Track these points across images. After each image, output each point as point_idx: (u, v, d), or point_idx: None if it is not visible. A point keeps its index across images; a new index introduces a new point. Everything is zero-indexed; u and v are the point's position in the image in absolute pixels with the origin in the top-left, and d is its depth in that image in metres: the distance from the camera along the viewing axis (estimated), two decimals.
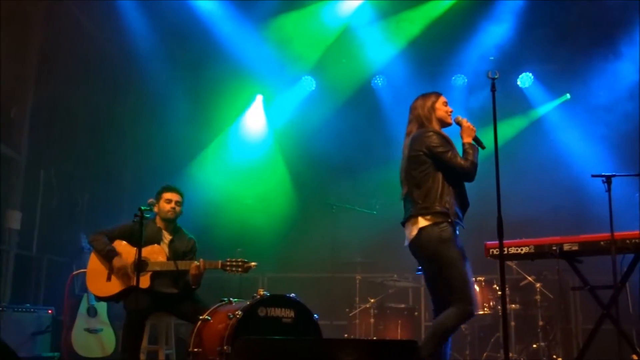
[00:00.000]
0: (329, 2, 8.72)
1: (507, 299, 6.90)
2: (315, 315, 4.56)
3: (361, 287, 7.72)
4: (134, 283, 4.56)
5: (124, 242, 5.20)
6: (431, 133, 4.25)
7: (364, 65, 9.30)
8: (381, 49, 9.09)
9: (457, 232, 4.15)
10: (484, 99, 8.56)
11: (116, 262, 5.06)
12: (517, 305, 7.14)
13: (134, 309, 4.85)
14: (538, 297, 7.06)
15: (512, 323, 7.05)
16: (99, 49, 8.68)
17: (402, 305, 7.58)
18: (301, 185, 9.52)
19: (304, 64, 9.34)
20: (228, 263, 4.99)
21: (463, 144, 4.29)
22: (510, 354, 6.75)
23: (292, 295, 4.59)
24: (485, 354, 7.06)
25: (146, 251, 5.01)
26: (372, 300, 7.43)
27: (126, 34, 8.49)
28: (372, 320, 7.31)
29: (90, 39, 8.51)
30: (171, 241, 5.31)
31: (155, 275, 5.06)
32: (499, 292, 6.75)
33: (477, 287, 6.88)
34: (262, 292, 4.53)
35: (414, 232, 4.15)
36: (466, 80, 9.30)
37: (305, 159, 9.54)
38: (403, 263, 7.74)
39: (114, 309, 6.55)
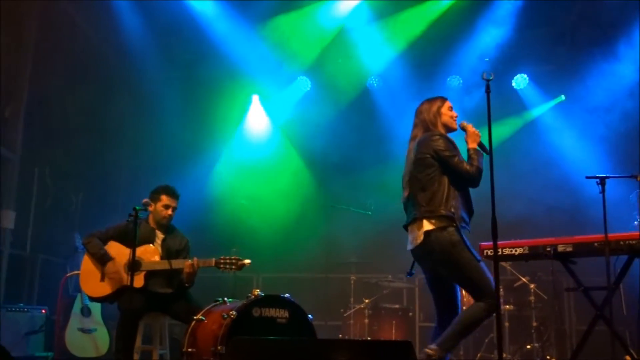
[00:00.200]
0: (325, 2, 8.73)
1: (502, 300, 6.93)
2: (309, 316, 4.55)
3: (356, 287, 7.72)
4: (128, 283, 4.55)
5: (117, 243, 5.19)
6: (438, 137, 4.26)
7: (359, 66, 9.31)
8: (377, 50, 9.11)
9: (464, 236, 4.14)
10: (479, 100, 8.59)
11: (109, 267, 5.06)
12: (511, 306, 7.17)
13: (128, 309, 4.86)
14: (532, 298, 7.07)
15: (506, 324, 7.07)
16: (93, 48, 8.67)
17: (397, 306, 7.58)
18: (296, 186, 9.51)
19: (300, 64, 9.34)
20: (222, 261, 5.00)
21: (468, 150, 4.29)
22: (504, 355, 6.75)
23: (287, 295, 4.58)
24: (479, 355, 7.08)
25: (140, 251, 5.01)
26: (366, 301, 7.43)
27: (121, 34, 8.48)
28: (366, 320, 7.31)
29: (85, 38, 8.50)
30: (164, 240, 5.31)
31: (149, 275, 5.05)
32: None
33: None
34: (256, 292, 4.53)
35: (420, 236, 4.15)
36: (461, 81, 9.31)
37: (301, 159, 9.54)
38: (397, 264, 7.74)
39: (108, 309, 6.54)
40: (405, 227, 4.35)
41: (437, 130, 4.34)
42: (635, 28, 8.17)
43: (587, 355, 4.81)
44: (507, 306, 7.10)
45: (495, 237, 3.84)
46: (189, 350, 4.54)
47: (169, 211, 5.30)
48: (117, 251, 5.14)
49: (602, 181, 4.73)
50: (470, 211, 4.28)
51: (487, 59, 8.81)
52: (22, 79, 7.61)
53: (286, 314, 4.49)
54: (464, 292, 5.84)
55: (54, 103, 8.01)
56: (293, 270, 8.88)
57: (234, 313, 4.34)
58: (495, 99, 4.01)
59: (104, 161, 9.12)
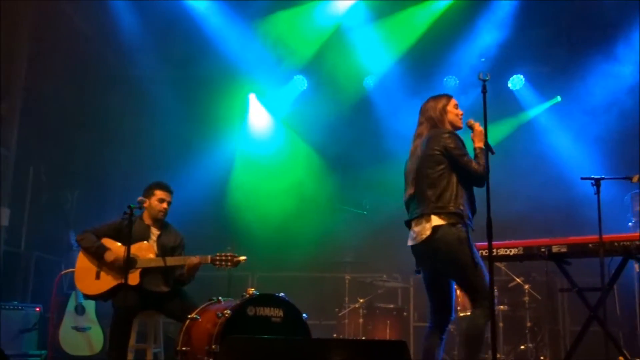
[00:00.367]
0: (322, 1, 8.73)
1: (496, 300, 6.94)
2: (304, 315, 4.56)
3: (350, 287, 7.72)
4: (123, 280, 4.55)
5: (112, 240, 5.18)
6: (448, 134, 4.22)
7: (356, 65, 9.30)
8: (373, 49, 9.09)
9: (470, 235, 4.12)
10: (474, 100, 8.59)
11: (108, 256, 5.03)
12: (506, 307, 7.18)
13: (122, 307, 4.84)
14: (526, 298, 7.09)
15: (501, 324, 7.07)
16: (89, 46, 8.64)
17: (391, 306, 7.59)
18: (292, 185, 9.50)
19: (296, 62, 9.33)
20: (217, 257, 5.00)
21: (475, 148, 4.24)
22: (498, 355, 6.76)
23: (281, 294, 4.59)
24: None
25: (134, 248, 4.98)
26: (361, 300, 7.44)
27: (117, 32, 8.46)
28: (361, 320, 7.31)
29: (81, 35, 8.48)
30: (159, 237, 5.30)
31: (145, 272, 5.04)
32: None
33: None
34: (251, 291, 4.53)
35: (427, 231, 4.08)
36: (458, 81, 9.31)
37: (297, 158, 9.54)
38: (392, 263, 7.77)
39: (102, 307, 6.52)
40: (407, 223, 4.28)
41: (444, 127, 4.33)
42: (634, 28, 8.18)
43: (580, 356, 4.83)
44: (502, 306, 7.11)
45: (490, 237, 3.84)
46: (184, 348, 4.54)
47: (164, 205, 5.29)
48: (112, 248, 5.12)
49: (597, 182, 4.74)
50: (473, 210, 4.27)
51: (484, 59, 8.82)
52: (18, 77, 7.59)
53: (281, 313, 4.49)
54: (458, 292, 5.85)
55: (49, 101, 7.99)
56: (288, 270, 8.86)
57: (229, 312, 4.34)
58: (491, 99, 4.01)
59: (99, 159, 9.11)
